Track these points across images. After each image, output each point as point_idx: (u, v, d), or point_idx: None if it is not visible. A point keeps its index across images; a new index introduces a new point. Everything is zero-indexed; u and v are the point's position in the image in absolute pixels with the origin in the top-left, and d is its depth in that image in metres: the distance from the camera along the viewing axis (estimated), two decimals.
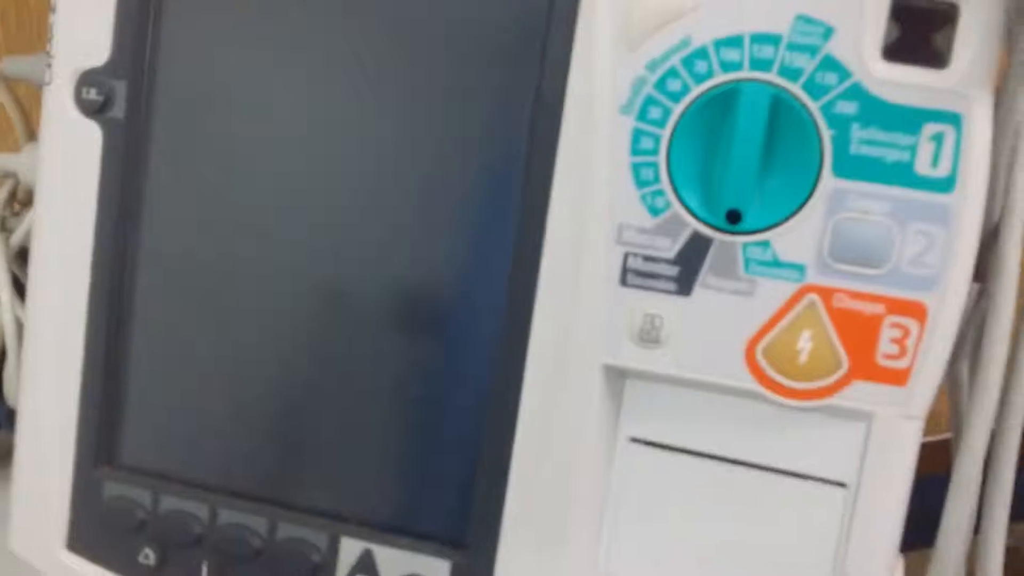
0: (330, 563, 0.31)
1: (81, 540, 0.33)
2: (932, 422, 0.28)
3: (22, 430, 0.33)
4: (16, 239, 0.39)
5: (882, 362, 0.26)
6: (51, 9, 0.30)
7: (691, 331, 0.27)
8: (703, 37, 0.26)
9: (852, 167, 0.26)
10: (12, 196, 0.40)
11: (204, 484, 0.32)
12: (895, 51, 0.26)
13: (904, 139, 0.26)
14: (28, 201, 0.40)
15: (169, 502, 0.32)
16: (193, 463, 0.32)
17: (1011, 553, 0.29)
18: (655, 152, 0.27)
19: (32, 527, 0.33)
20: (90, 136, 0.31)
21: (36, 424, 0.33)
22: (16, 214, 0.40)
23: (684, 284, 0.27)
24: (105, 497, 0.32)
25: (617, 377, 0.29)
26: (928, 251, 0.26)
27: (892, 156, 0.26)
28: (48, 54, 0.31)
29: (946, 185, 0.26)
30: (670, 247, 0.27)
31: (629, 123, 0.27)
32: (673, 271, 0.27)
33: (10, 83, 0.40)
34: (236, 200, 0.31)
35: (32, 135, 0.41)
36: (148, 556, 0.32)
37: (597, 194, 0.27)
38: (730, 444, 0.28)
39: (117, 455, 0.33)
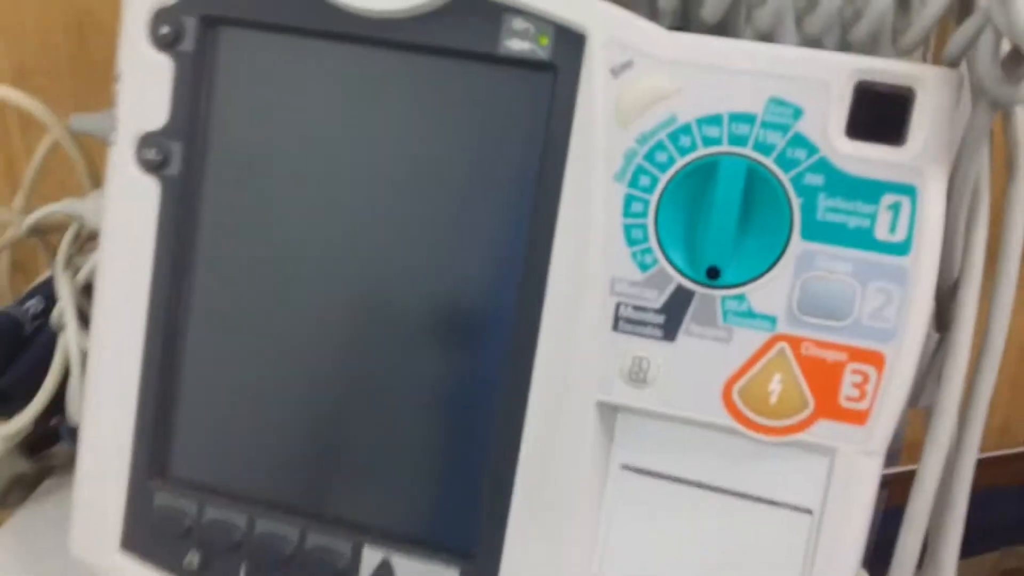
0: (353, 569, 0.32)
1: (134, 543, 0.34)
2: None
3: (84, 445, 0.34)
4: (82, 275, 0.40)
5: (844, 403, 0.28)
6: (115, 79, 0.32)
7: (675, 373, 0.28)
8: (687, 115, 0.28)
9: (819, 231, 0.27)
10: (78, 236, 0.41)
11: (244, 496, 0.33)
12: (857, 129, 0.27)
13: (865, 208, 0.27)
14: (92, 238, 0.41)
15: (212, 512, 0.33)
16: (234, 477, 0.33)
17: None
18: (644, 215, 0.28)
19: (91, 531, 0.34)
20: (149, 190, 0.32)
21: (96, 440, 0.34)
22: (81, 251, 0.41)
23: (669, 331, 0.28)
24: (156, 506, 0.34)
25: (610, 412, 0.30)
26: (886, 307, 0.27)
27: (854, 222, 0.27)
28: (113, 115, 0.32)
29: (902, 249, 0.27)
30: (657, 298, 0.28)
31: (622, 189, 0.28)
32: (659, 319, 0.29)
33: (77, 136, 0.42)
34: (279, 245, 0.32)
35: (97, 181, 0.42)
36: (193, 559, 0.33)
37: (593, 250, 0.29)
38: (710, 473, 0.30)
39: (167, 469, 0.34)
